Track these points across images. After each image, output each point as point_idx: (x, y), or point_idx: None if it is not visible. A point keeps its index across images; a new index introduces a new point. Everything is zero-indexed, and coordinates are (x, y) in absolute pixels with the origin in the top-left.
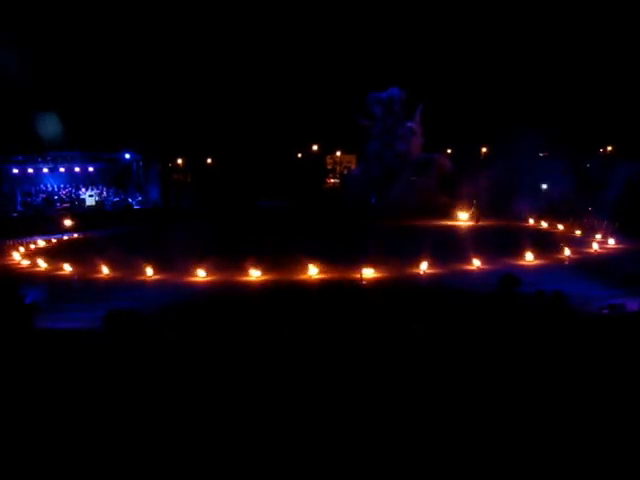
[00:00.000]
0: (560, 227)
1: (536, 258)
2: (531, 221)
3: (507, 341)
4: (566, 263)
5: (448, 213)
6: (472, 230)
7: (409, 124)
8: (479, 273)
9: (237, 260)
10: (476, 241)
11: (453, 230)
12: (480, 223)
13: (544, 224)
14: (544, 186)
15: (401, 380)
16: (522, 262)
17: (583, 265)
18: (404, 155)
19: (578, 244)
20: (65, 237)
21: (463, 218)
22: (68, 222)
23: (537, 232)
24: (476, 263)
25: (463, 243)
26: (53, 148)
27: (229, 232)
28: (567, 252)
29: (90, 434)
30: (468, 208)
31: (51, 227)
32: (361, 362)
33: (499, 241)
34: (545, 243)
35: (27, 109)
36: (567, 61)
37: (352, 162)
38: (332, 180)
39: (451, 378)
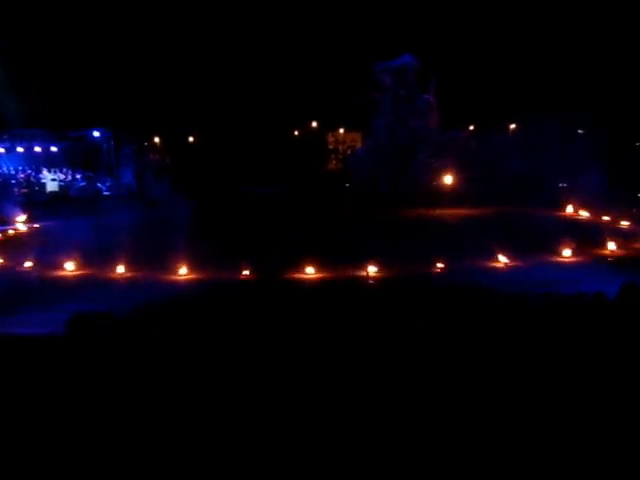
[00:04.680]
0: (605, 218)
1: (575, 254)
2: (569, 209)
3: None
4: (610, 260)
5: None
6: (495, 220)
7: (426, 97)
8: (508, 271)
9: (226, 256)
10: (502, 234)
11: (473, 220)
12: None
13: (584, 213)
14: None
15: (411, 380)
16: (558, 258)
17: (629, 262)
18: (421, 132)
19: (625, 237)
20: (24, 228)
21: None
22: (26, 211)
23: (576, 223)
24: (503, 260)
25: (487, 236)
26: (10, 126)
27: (214, 223)
28: (611, 246)
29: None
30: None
31: (7, 215)
32: (365, 362)
33: (530, 233)
34: (585, 236)
35: None
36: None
37: (357, 141)
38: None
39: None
